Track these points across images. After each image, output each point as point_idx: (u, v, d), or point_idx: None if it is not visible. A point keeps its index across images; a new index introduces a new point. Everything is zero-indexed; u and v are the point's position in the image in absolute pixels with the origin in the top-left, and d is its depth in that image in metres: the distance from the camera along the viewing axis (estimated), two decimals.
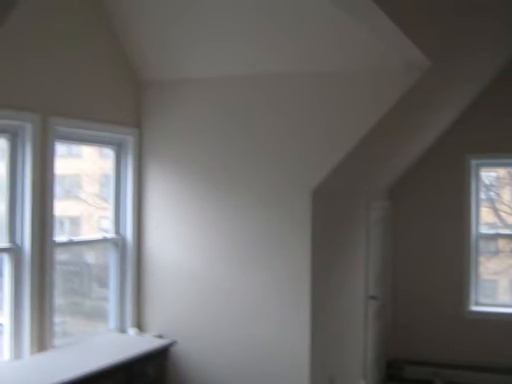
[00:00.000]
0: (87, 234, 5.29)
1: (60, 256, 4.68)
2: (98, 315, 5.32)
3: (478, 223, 7.18)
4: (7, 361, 4.15)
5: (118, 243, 5.21)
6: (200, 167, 5.07)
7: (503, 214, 7.48)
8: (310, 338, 4.72)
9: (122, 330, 5.20)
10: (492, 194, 7.55)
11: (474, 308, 7.12)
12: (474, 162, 7.09)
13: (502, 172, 7.52)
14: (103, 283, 5.33)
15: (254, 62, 4.75)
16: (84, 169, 5.32)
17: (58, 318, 4.61)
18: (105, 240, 5.16)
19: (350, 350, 5.88)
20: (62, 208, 4.71)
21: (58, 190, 4.53)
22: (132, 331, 5.16)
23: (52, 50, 4.38)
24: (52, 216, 4.40)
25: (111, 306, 5.22)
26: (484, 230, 7.26)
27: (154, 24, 4.77)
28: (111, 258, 5.22)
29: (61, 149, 4.66)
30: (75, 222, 5.31)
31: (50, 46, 4.37)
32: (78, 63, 4.60)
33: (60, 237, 4.63)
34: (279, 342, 4.80)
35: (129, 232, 5.23)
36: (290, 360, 4.77)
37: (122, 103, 5.13)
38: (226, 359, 4.98)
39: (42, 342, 4.31)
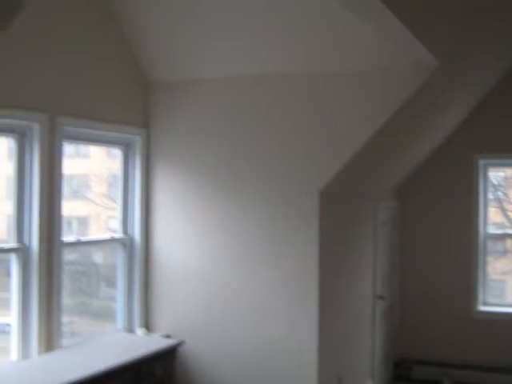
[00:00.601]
0: (95, 234, 5.30)
1: (68, 256, 4.69)
2: (106, 315, 5.33)
3: (485, 223, 7.16)
4: (15, 361, 4.15)
5: (126, 243, 5.22)
6: (207, 167, 5.07)
7: (511, 214, 7.46)
8: (317, 338, 4.71)
9: (130, 330, 5.21)
10: (500, 193, 7.52)
11: (482, 308, 7.09)
12: (481, 162, 7.07)
13: (509, 172, 7.49)
14: (111, 283, 5.34)
15: (261, 62, 4.75)
16: (92, 169, 5.33)
17: (65, 318, 4.63)
18: (113, 240, 5.17)
19: (357, 349, 5.87)
20: (69, 208, 4.71)
21: (65, 190, 4.53)
22: (140, 331, 5.16)
23: (60, 50, 4.38)
24: (60, 216, 4.40)
25: (119, 306, 5.22)
26: (492, 229, 7.24)
27: (161, 24, 4.78)
28: (119, 258, 5.23)
29: (69, 149, 4.67)
30: (83, 222, 5.33)
31: (57, 46, 4.37)
32: (85, 63, 4.61)
33: (68, 237, 4.64)
34: (287, 341, 4.80)
35: (137, 232, 5.24)
36: (297, 359, 4.76)
37: (129, 103, 5.13)
38: (234, 359, 4.98)
39: (49, 342, 4.31)
